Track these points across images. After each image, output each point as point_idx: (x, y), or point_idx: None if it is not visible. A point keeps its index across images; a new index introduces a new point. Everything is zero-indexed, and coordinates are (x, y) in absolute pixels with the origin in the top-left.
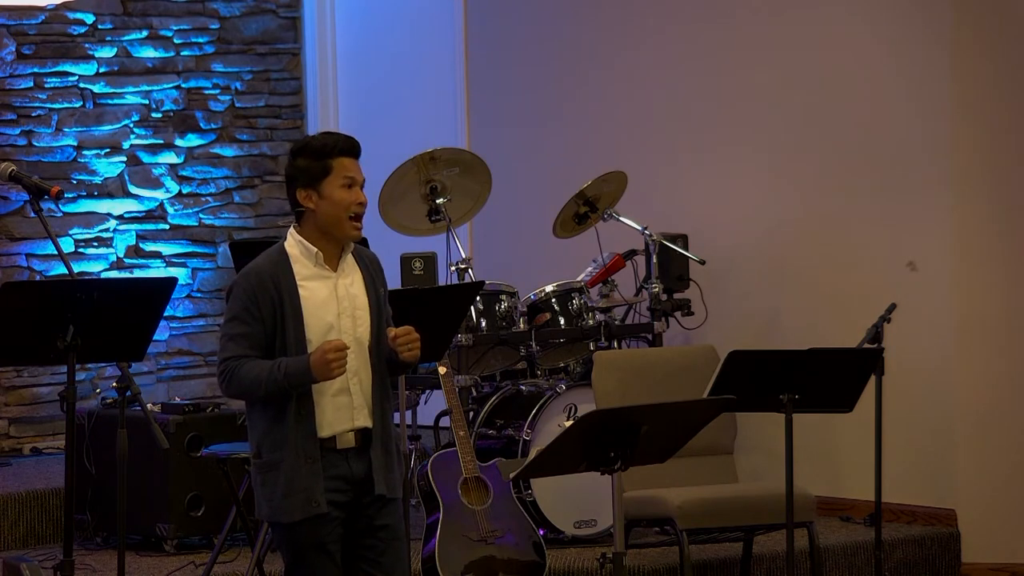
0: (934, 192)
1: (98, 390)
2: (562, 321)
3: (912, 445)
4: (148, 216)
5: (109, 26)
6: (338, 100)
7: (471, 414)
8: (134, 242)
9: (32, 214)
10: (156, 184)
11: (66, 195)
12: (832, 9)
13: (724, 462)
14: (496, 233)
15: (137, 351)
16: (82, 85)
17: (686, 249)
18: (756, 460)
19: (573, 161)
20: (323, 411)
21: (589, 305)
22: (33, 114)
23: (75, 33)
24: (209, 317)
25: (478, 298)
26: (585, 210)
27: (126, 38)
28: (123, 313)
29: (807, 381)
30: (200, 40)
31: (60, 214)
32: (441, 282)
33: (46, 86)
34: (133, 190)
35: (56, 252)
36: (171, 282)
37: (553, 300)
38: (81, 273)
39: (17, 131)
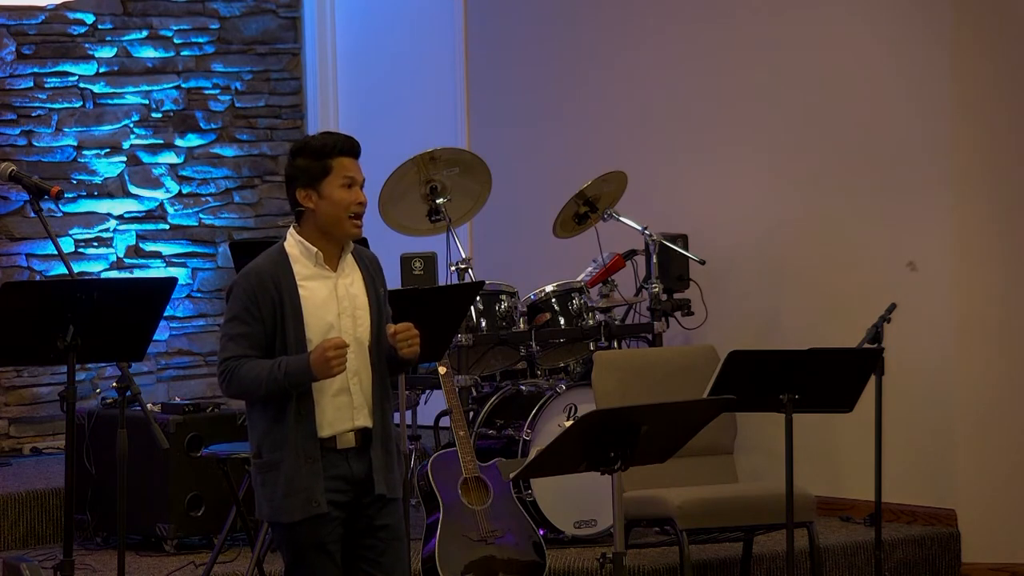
0: (934, 192)
1: (98, 390)
2: (562, 321)
3: (912, 445)
4: (148, 216)
5: (109, 26)
6: (338, 100)
7: (471, 414)
8: (134, 242)
9: (32, 214)
10: (156, 184)
11: (66, 195)
12: (832, 9)
13: (724, 462)
14: (496, 233)
15: (137, 351)
16: (82, 85)
17: (686, 249)
18: (756, 460)
19: (573, 161)
20: (323, 411)
21: (589, 305)
22: (33, 114)
23: (75, 33)
24: (209, 317)
25: (478, 298)
26: (585, 210)
27: (126, 38)
28: (123, 313)
29: (807, 381)
30: (200, 40)
31: (60, 214)
32: (441, 282)
33: (46, 86)
34: (133, 190)
35: (56, 252)
36: (171, 282)
37: (553, 300)
38: (81, 273)
39: (17, 131)
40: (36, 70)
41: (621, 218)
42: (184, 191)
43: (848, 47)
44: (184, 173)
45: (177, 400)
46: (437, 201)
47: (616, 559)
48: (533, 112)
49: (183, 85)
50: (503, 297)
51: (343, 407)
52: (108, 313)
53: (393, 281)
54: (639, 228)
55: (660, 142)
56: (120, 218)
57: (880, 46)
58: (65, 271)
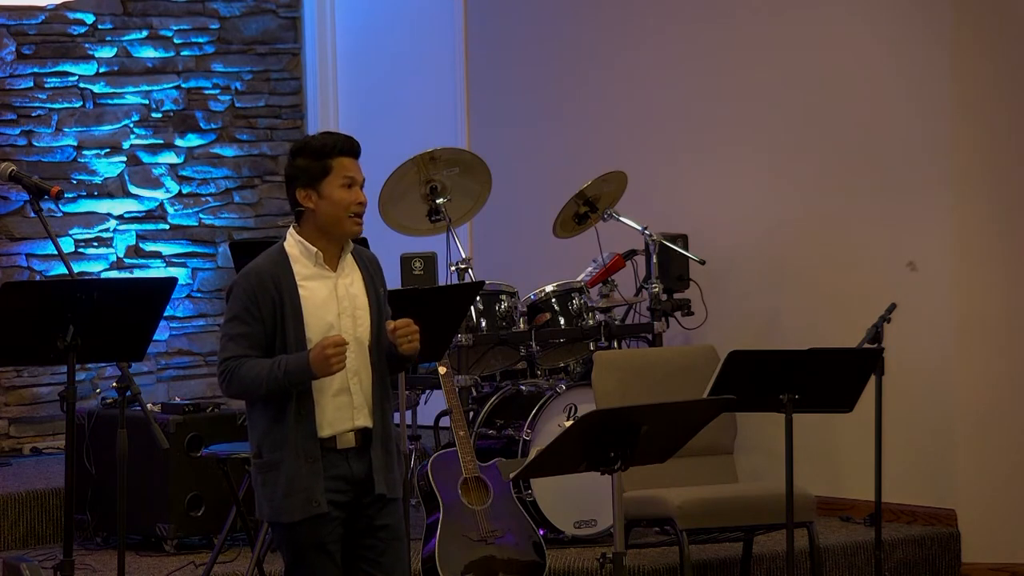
0: (934, 192)
1: (98, 390)
2: (562, 321)
3: (912, 445)
4: (148, 216)
5: (109, 26)
6: (338, 100)
7: (471, 414)
8: (134, 242)
9: (32, 214)
10: (156, 184)
11: (66, 195)
12: (832, 9)
13: (724, 462)
14: (496, 233)
15: (137, 351)
16: (82, 85)
17: (686, 249)
18: (756, 460)
19: (573, 161)
20: (323, 411)
21: (589, 305)
22: (33, 114)
23: (75, 33)
24: (209, 317)
25: (478, 298)
26: (585, 210)
27: (126, 38)
28: (123, 313)
29: (807, 381)
30: (200, 40)
31: (60, 214)
32: (441, 282)
33: (46, 86)
34: (133, 190)
35: (56, 252)
36: (171, 282)
37: (553, 300)
38: (81, 273)
39: (17, 131)
40: (36, 70)
41: (621, 218)
42: (184, 191)
43: (848, 47)
44: (184, 173)
45: (177, 400)
46: (437, 201)
47: (616, 559)
48: (533, 112)
49: (183, 85)
50: (503, 297)
51: (343, 407)
52: (108, 313)
53: (393, 281)
54: (639, 228)
55: (660, 142)
56: (120, 218)
57: (880, 46)
58: (65, 271)
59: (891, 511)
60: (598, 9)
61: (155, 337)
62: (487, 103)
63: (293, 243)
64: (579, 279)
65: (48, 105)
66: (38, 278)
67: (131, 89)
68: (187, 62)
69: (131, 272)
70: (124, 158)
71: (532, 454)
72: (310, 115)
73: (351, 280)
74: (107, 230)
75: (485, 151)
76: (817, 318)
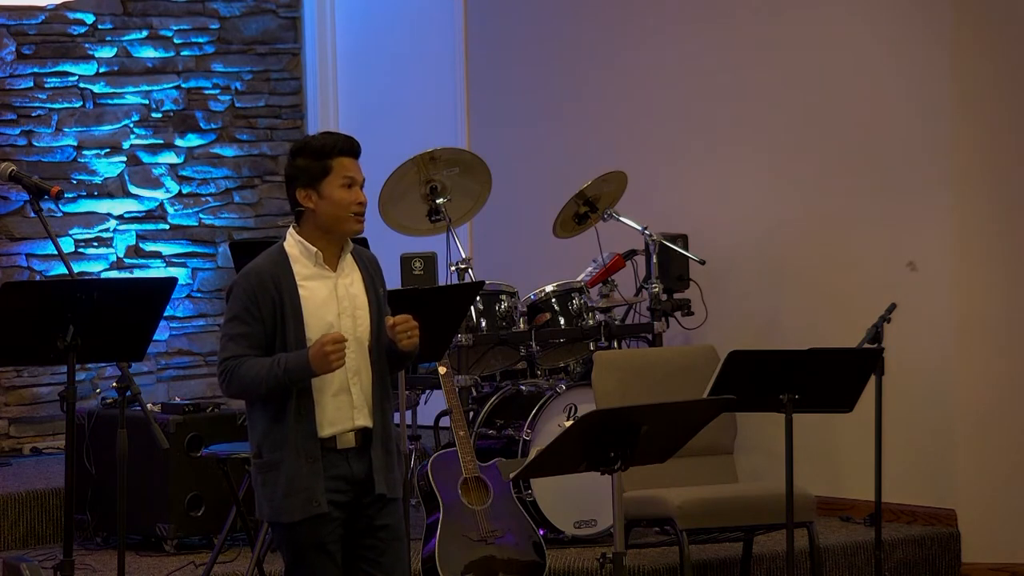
0: (934, 192)
1: (98, 390)
2: (562, 321)
3: (912, 445)
4: (148, 216)
5: (109, 26)
6: (338, 100)
7: (471, 414)
8: (134, 242)
9: (32, 214)
10: (156, 184)
11: (66, 195)
12: (832, 9)
13: (724, 462)
14: (496, 233)
15: (137, 351)
16: (82, 85)
17: (686, 249)
18: (756, 460)
19: (573, 161)
20: (323, 411)
21: (589, 305)
22: (33, 114)
23: (75, 33)
24: (209, 317)
25: (478, 298)
26: (585, 210)
27: (126, 38)
28: (123, 313)
29: (807, 381)
30: (200, 40)
31: (60, 214)
32: (441, 282)
33: (46, 86)
34: (133, 190)
35: (56, 252)
36: (171, 282)
37: (553, 300)
38: (81, 273)
39: (17, 131)
40: (36, 70)
41: (621, 218)
42: (184, 191)
43: (848, 47)
44: (184, 173)
45: (177, 400)
46: (437, 201)
47: (616, 559)
48: (533, 112)
49: (183, 85)
50: (503, 297)
51: (343, 407)
52: (108, 313)
53: (393, 281)
54: (639, 228)
55: (660, 142)
56: (120, 218)
57: (880, 46)
58: (65, 271)
59: (891, 511)
60: (598, 9)
61: (155, 337)
62: (487, 103)
63: (293, 243)
64: (579, 279)
65: (48, 105)
66: (38, 278)
67: (131, 89)
68: (187, 62)
69: (131, 272)
70: (124, 158)
71: (532, 454)
72: (310, 115)
73: (351, 280)
74: (107, 230)
75: (485, 151)
76: (817, 318)
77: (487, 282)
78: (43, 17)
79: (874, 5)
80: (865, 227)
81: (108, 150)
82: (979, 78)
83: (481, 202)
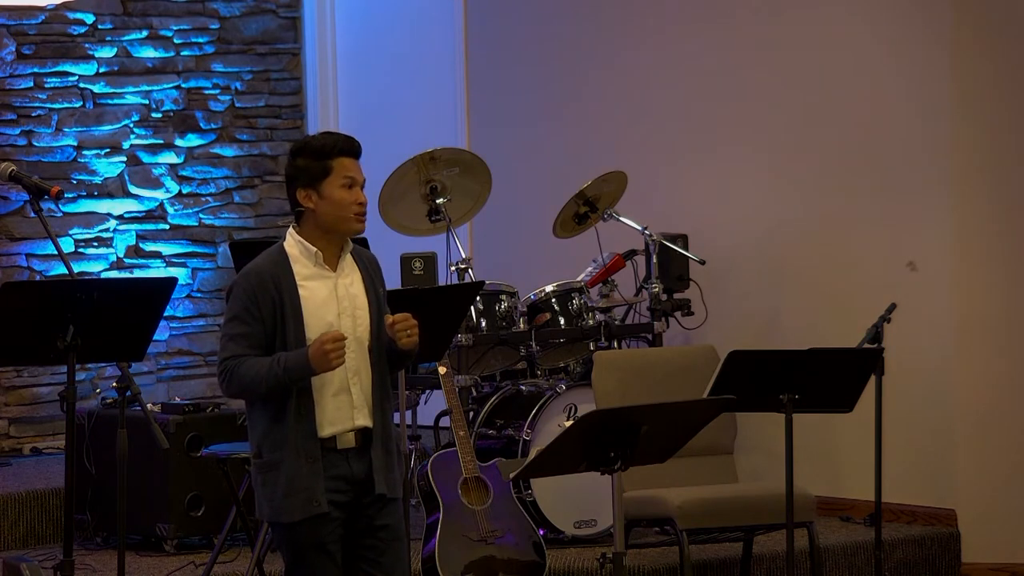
0: (934, 192)
1: (98, 390)
2: (562, 321)
3: (912, 445)
4: (148, 216)
5: (109, 26)
6: (338, 100)
7: (471, 414)
8: (134, 242)
9: (32, 214)
10: (156, 184)
11: (66, 195)
12: (832, 9)
13: (724, 462)
14: (496, 233)
15: (137, 351)
16: (82, 85)
17: (686, 249)
18: (756, 460)
19: (573, 161)
20: (323, 411)
21: (589, 305)
22: (33, 114)
23: (75, 33)
24: (209, 317)
25: (478, 298)
26: (585, 210)
27: (126, 38)
28: (123, 313)
29: (807, 381)
30: (200, 40)
31: (60, 214)
32: (441, 282)
33: (46, 86)
34: (133, 190)
35: (56, 252)
36: (171, 282)
37: (553, 300)
38: (81, 273)
39: (17, 131)
40: (36, 70)
41: (621, 218)
42: (184, 191)
43: (848, 47)
44: (184, 173)
45: (177, 400)
46: (437, 201)
47: (616, 559)
48: (533, 112)
49: (183, 85)
50: (503, 297)
51: (343, 407)
52: (108, 313)
53: (393, 281)
54: (639, 228)
55: (660, 142)
56: (120, 218)
57: (880, 46)
58: (65, 271)
59: (891, 511)
60: (598, 9)
61: (155, 337)
62: (487, 103)
63: (293, 243)
64: (579, 279)
65: (48, 105)
66: (38, 278)
67: (131, 89)
68: (187, 62)
69: (131, 272)
70: (124, 158)
71: (532, 454)
72: (310, 115)
73: (351, 280)
74: (107, 230)
75: (485, 151)
76: (817, 318)
77: (487, 282)
78: (43, 17)
79: (874, 5)
80: (865, 227)
81: (108, 150)
82: (979, 78)
83: (481, 202)
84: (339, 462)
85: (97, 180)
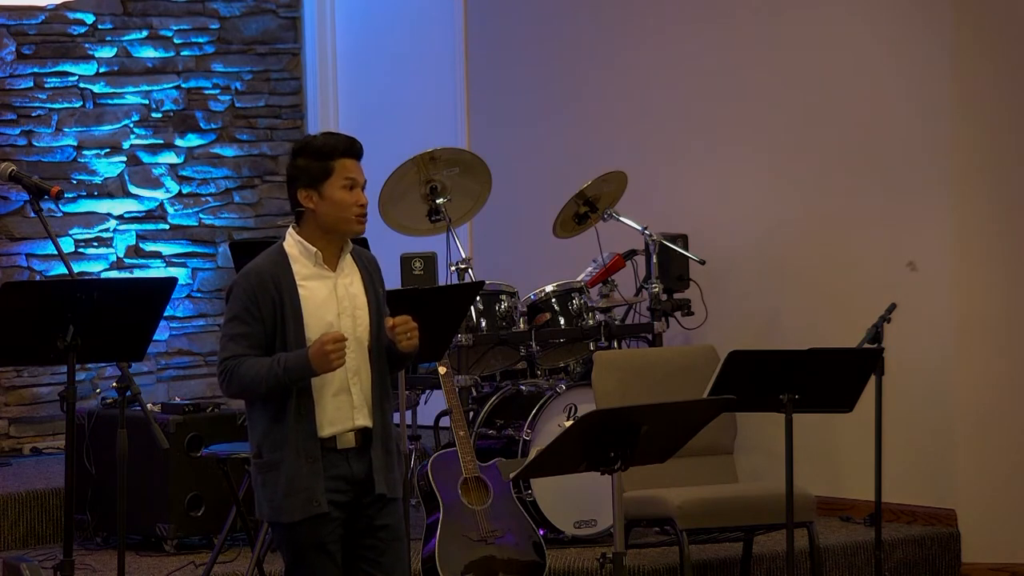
0: (934, 192)
1: (98, 390)
2: (562, 321)
3: (912, 445)
4: (148, 216)
5: (109, 26)
6: (338, 100)
7: (471, 414)
8: (134, 242)
9: (32, 214)
10: (156, 184)
11: (66, 195)
12: (832, 9)
13: (724, 462)
14: (496, 233)
15: (137, 351)
16: (82, 85)
17: (686, 249)
18: (756, 460)
19: (573, 161)
20: (323, 411)
21: (589, 305)
22: (33, 114)
23: (75, 33)
24: (209, 317)
25: (478, 298)
26: (585, 210)
27: (126, 38)
28: (123, 313)
29: (807, 381)
30: (200, 40)
31: (60, 214)
32: (441, 282)
33: (46, 86)
34: (133, 190)
35: (56, 252)
36: (171, 282)
37: (553, 300)
38: (81, 273)
39: (17, 131)
40: (36, 70)
41: (621, 218)
42: (184, 191)
43: (848, 47)
44: (184, 173)
45: (177, 400)
46: (437, 201)
47: (616, 559)
48: (533, 112)
49: (183, 85)
50: (503, 297)
51: (343, 407)
52: (108, 313)
53: (393, 281)
54: (639, 228)
55: (660, 142)
56: (120, 218)
57: (880, 46)
58: (65, 271)
59: (891, 511)
60: (598, 9)
61: (155, 337)
62: (487, 103)
63: (292, 243)
64: (579, 279)
65: (48, 105)
66: (38, 278)
67: (131, 89)
68: (187, 62)
69: (131, 272)
70: (124, 158)
71: (532, 454)
72: (310, 115)
73: (351, 280)
74: (107, 230)
75: (485, 151)
76: (817, 318)
77: (487, 282)
78: (43, 17)
79: (874, 5)
80: (865, 227)
81: (108, 150)
82: (979, 78)
83: (481, 202)
84: (339, 462)
85: (97, 180)
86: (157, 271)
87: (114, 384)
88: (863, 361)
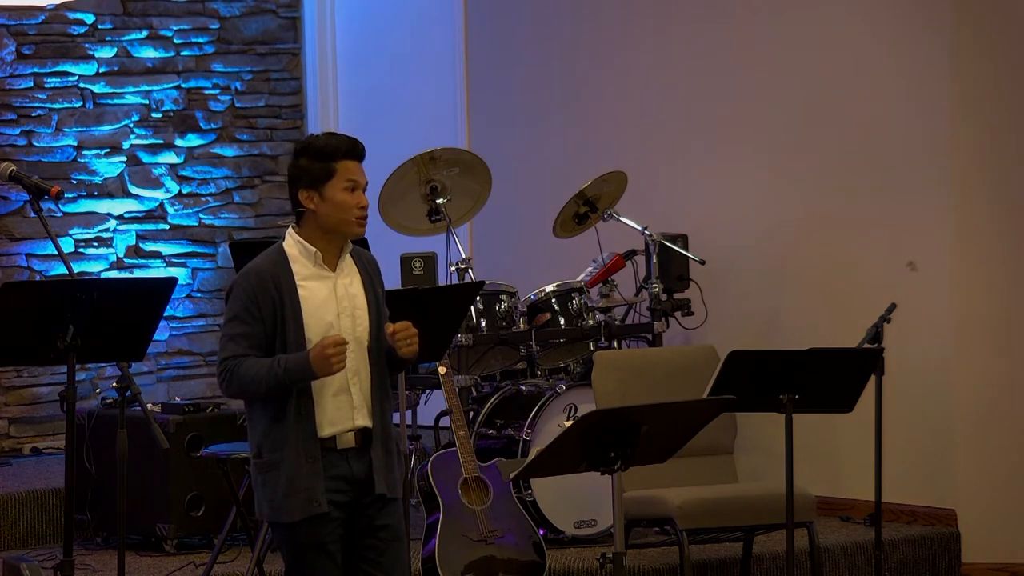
0: (934, 192)
1: (98, 390)
2: (562, 321)
3: (912, 445)
4: (148, 216)
5: (109, 26)
6: (338, 100)
7: (471, 414)
8: (134, 242)
9: (32, 214)
10: (156, 184)
11: (66, 195)
12: (832, 9)
13: (724, 462)
14: (496, 233)
15: (137, 351)
16: (82, 85)
17: (686, 249)
18: (756, 460)
19: (573, 161)
20: (323, 411)
21: (589, 305)
22: (33, 114)
23: (75, 33)
24: (209, 317)
25: (478, 298)
26: (585, 210)
27: (126, 38)
28: (123, 313)
29: (807, 381)
30: (200, 40)
31: (60, 214)
32: (441, 282)
33: (46, 86)
34: (133, 190)
35: (56, 252)
36: (171, 282)
37: (553, 300)
38: (81, 273)
39: (17, 131)
40: (36, 70)
41: (621, 218)
42: (184, 191)
43: (848, 47)
44: (184, 173)
45: (177, 400)
46: (437, 201)
47: (616, 559)
48: (533, 112)
49: (183, 85)
50: (503, 297)
51: (343, 407)
52: (108, 313)
53: (393, 281)
54: (639, 228)
55: (660, 142)
56: (120, 218)
57: (880, 46)
58: (65, 271)
59: (891, 511)
60: (598, 9)
61: (155, 337)
62: (487, 103)
63: (292, 243)
64: (579, 279)
65: (48, 105)
66: (38, 278)
67: (131, 89)
68: (187, 62)
69: (131, 272)
70: (124, 158)
71: (532, 454)
72: (310, 115)
73: (350, 280)
74: (107, 230)
75: (485, 151)
76: (817, 318)
77: (487, 282)
78: (43, 17)
79: (874, 5)
80: (865, 227)
81: (108, 150)
82: (979, 78)
83: (481, 202)
84: (339, 462)
85: (97, 180)
86: (157, 271)
87: (114, 384)
88: (863, 361)
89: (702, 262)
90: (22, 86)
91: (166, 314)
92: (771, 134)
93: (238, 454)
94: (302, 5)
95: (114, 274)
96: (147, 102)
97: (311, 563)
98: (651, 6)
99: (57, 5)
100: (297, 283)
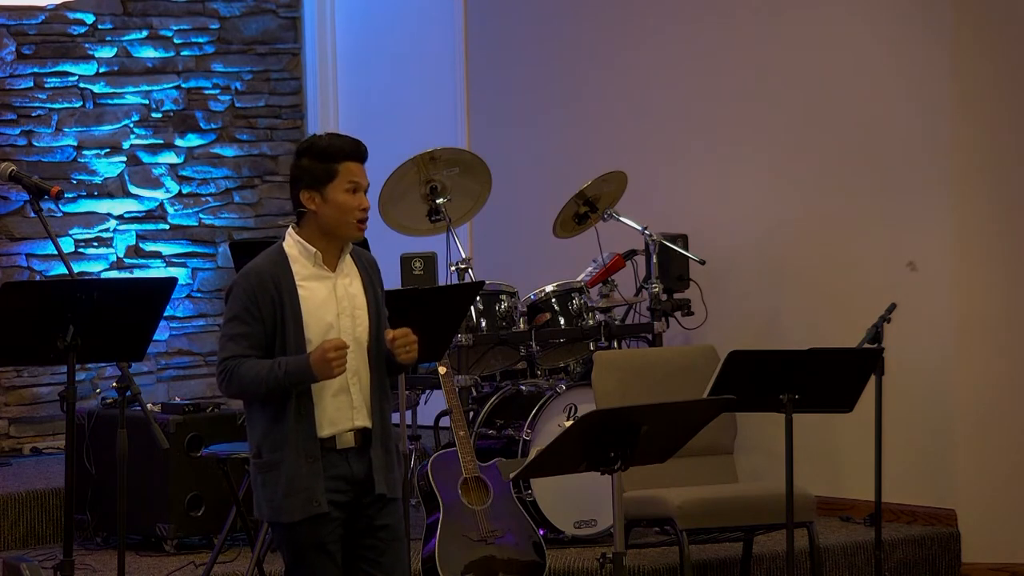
0: (934, 192)
1: (98, 390)
2: (562, 321)
3: (912, 445)
4: (148, 216)
5: (109, 26)
6: (338, 100)
7: (471, 414)
8: (134, 242)
9: (32, 214)
10: (156, 184)
11: (66, 195)
12: (832, 9)
13: (724, 462)
14: (496, 233)
15: (137, 351)
16: (82, 85)
17: (686, 249)
18: (756, 460)
19: (573, 161)
20: (323, 411)
21: (589, 305)
22: (33, 114)
23: (75, 33)
24: (209, 317)
25: (478, 298)
26: (585, 210)
27: (126, 38)
28: (123, 313)
29: (807, 381)
30: (200, 40)
31: (60, 214)
32: (441, 282)
33: (46, 86)
34: (133, 190)
35: (56, 252)
36: (171, 282)
37: (553, 300)
38: (81, 273)
39: (17, 131)
40: (36, 70)
41: (621, 218)
42: (184, 191)
43: (848, 47)
44: (184, 173)
45: (177, 400)
46: (437, 201)
47: (616, 559)
48: (533, 112)
49: (183, 85)
50: (503, 297)
51: (343, 407)
52: (108, 313)
53: (393, 281)
54: (639, 228)
55: (660, 142)
56: (120, 218)
57: (880, 46)
58: (65, 271)
59: (891, 511)
60: (598, 9)
61: (155, 337)
62: (487, 103)
63: (292, 243)
64: (579, 279)
65: (48, 105)
66: (38, 278)
67: (131, 89)
68: (187, 62)
69: (131, 272)
70: (124, 158)
71: (532, 454)
72: (310, 115)
73: (350, 280)
74: (107, 230)
75: (485, 151)
76: (817, 318)
77: (487, 282)
78: (43, 17)
79: (874, 5)
80: (865, 227)
81: (108, 150)
82: (979, 78)
83: (481, 202)
84: (339, 462)
85: (97, 180)
86: (157, 271)
87: (114, 384)
88: (863, 361)
89: (702, 262)
90: (22, 86)
91: (166, 314)
92: (771, 134)
93: (238, 454)
94: (302, 5)
95: (114, 274)
96: (147, 102)
97: (311, 563)
98: (651, 6)
99: (57, 5)
100: (297, 283)
